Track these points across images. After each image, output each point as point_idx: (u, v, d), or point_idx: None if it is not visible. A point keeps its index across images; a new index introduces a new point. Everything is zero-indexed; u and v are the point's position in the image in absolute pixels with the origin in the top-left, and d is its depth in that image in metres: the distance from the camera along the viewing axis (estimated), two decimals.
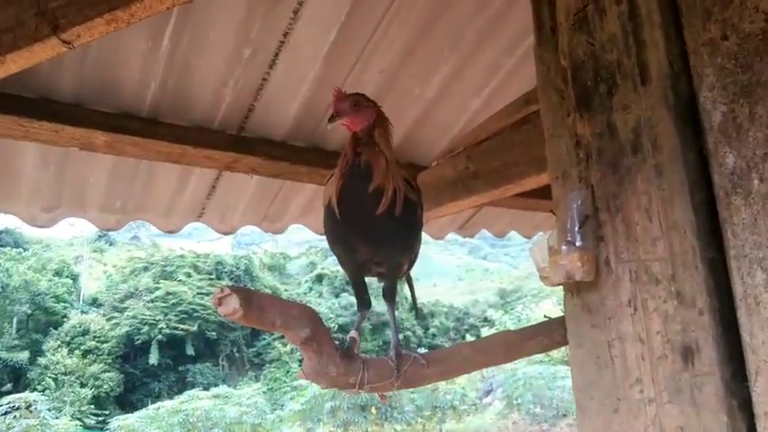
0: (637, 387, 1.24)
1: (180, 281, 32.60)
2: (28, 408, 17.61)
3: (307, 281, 38.46)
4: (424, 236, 4.00)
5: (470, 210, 3.82)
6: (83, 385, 27.25)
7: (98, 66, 2.22)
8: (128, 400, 28.05)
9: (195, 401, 18.36)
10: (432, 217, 2.86)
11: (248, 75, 2.43)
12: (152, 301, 31.20)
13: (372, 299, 1.74)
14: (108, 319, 31.03)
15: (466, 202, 2.42)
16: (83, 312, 31.88)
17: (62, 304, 31.34)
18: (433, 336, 35.59)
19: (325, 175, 1.70)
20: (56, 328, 30.08)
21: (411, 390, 17.98)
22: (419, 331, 35.47)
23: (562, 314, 1.49)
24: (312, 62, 2.45)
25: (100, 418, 24.80)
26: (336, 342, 1.37)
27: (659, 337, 1.21)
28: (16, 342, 28.53)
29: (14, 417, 17.13)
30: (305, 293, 36.08)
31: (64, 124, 2.22)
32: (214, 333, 31.52)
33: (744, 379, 1.11)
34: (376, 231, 1.53)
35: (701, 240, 1.17)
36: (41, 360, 27.95)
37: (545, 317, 1.70)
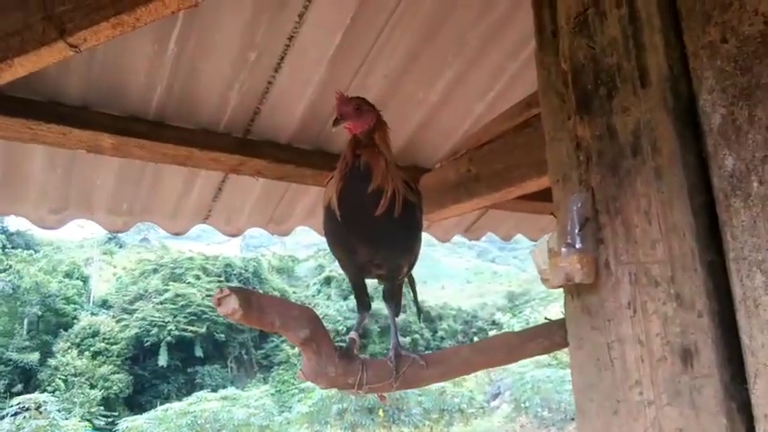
0: (636, 389, 1.24)
1: (189, 283, 32.69)
2: (38, 409, 17.72)
3: (315, 283, 38.49)
4: (432, 239, 4.03)
5: (476, 212, 3.82)
6: (92, 386, 27.37)
7: (105, 69, 2.25)
8: (137, 401, 28.14)
9: (203, 403, 18.42)
10: (434, 219, 2.87)
11: (254, 78, 2.45)
12: (161, 303, 31.31)
13: (380, 302, 1.76)
14: (117, 321, 31.16)
15: (468, 204, 2.43)
16: (93, 314, 32.04)
17: (72, 306, 31.51)
18: (441, 339, 35.50)
19: None
20: (66, 330, 30.24)
21: (419, 392, 18.01)
22: (427, 334, 35.39)
23: (563, 316, 1.49)
24: (317, 66, 2.47)
25: (109, 420, 24.88)
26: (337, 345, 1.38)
27: (659, 339, 1.21)
28: (27, 343, 28.71)
29: (24, 417, 17.25)
30: (313, 296, 36.10)
31: (71, 127, 2.25)
32: (223, 335, 31.58)
33: (743, 381, 1.11)
34: (375, 232, 1.54)
35: (700, 243, 1.16)
36: (51, 361, 28.10)
37: (545, 319, 1.70)
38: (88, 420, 22.74)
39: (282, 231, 3.48)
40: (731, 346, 1.12)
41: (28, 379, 27.35)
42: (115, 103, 2.37)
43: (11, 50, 1.55)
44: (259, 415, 18.20)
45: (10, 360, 27.38)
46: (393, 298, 1.76)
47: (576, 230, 1.33)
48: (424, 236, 3.88)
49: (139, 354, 30.30)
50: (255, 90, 2.51)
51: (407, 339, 31.19)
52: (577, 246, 1.32)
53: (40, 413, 17.60)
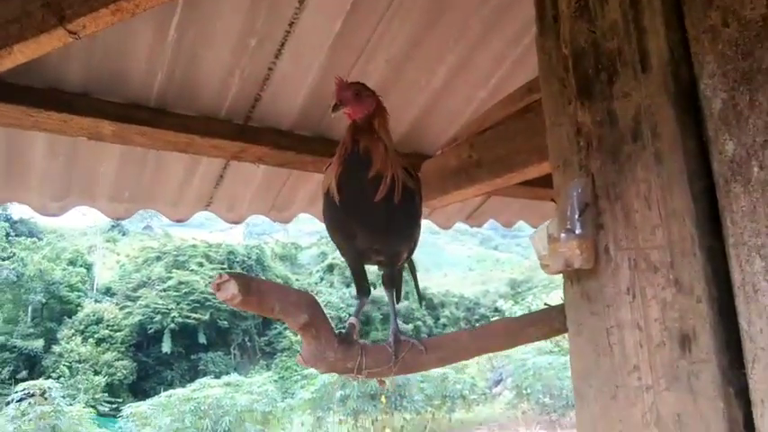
0: (635, 374, 1.24)
1: (192, 270, 32.82)
2: (42, 395, 17.83)
3: (318, 271, 38.61)
4: (435, 226, 4.03)
5: (478, 199, 3.82)
6: (96, 373, 27.59)
7: (105, 56, 2.24)
8: (140, 387, 28.35)
9: (207, 389, 18.52)
10: (436, 206, 2.87)
11: (254, 64, 2.44)
12: (164, 290, 31.45)
13: (382, 289, 1.76)
14: (121, 308, 31.35)
15: (469, 190, 2.43)
16: (96, 301, 32.23)
17: (76, 293, 31.69)
18: (444, 326, 35.64)
19: None
20: (70, 317, 30.44)
21: (421, 379, 18.09)
22: (429, 321, 35.54)
23: (562, 302, 1.50)
24: (318, 52, 2.45)
25: (113, 406, 25.08)
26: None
27: (657, 324, 1.21)
28: (31, 330, 28.90)
29: (29, 403, 17.36)
30: (316, 283, 36.23)
31: (72, 114, 2.24)
32: (226, 322, 31.75)
33: (741, 366, 1.11)
34: (375, 218, 1.54)
35: (699, 228, 1.16)
36: (56, 348, 28.31)
37: (545, 304, 1.71)
38: (92, 406, 22.90)
39: (284, 218, 3.48)
40: (729, 332, 1.13)
41: (32, 365, 27.56)
42: (116, 90, 2.36)
43: (10, 38, 1.55)
44: (262, 401, 18.30)
45: (15, 347, 27.58)
46: (393, 284, 1.77)
47: (576, 216, 1.33)
48: (427, 223, 3.89)
49: (143, 340, 30.50)
50: (256, 76, 2.50)
51: (410, 326, 31.34)
52: (577, 231, 1.32)
53: (45, 399, 17.71)
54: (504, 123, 2.24)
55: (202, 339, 30.98)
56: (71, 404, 19.94)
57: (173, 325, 30.15)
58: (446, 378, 19.04)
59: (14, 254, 29.94)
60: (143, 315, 30.40)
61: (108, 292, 34.00)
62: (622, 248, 1.29)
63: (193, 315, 30.72)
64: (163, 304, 30.66)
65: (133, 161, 2.79)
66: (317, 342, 1.29)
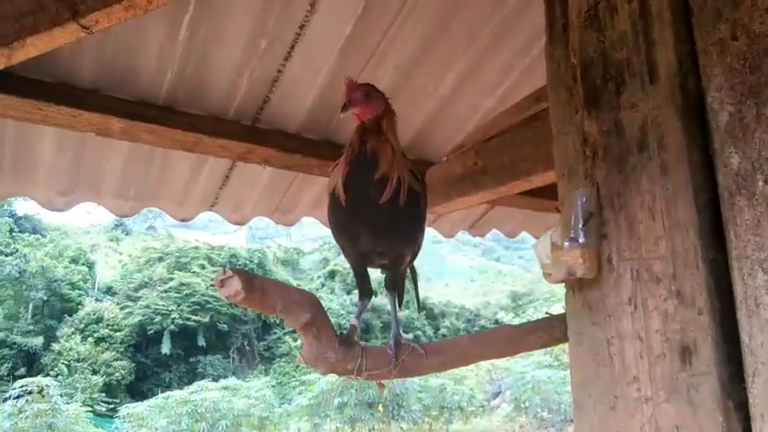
0: (634, 385, 1.24)
1: (194, 272, 32.82)
2: (40, 392, 17.80)
3: (319, 276, 38.58)
4: (438, 235, 4.03)
5: (482, 208, 3.82)
6: (95, 372, 27.56)
7: (117, 52, 2.26)
8: (138, 388, 28.30)
9: (204, 392, 18.47)
10: (440, 212, 2.87)
11: (264, 66, 2.45)
12: (165, 291, 31.45)
13: (383, 297, 1.76)
14: (121, 308, 31.34)
15: (474, 198, 2.43)
16: (97, 300, 32.23)
17: (77, 291, 31.71)
18: (444, 336, 35.50)
19: None
20: (70, 315, 30.44)
21: (419, 388, 18.03)
22: (429, 331, 35.46)
23: (564, 311, 1.49)
24: (328, 55, 2.47)
25: (110, 406, 25.03)
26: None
27: (658, 335, 1.21)
28: (31, 327, 28.91)
29: (27, 401, 17.33)
30: (317, 289, 36.16)
31: (81, 109, 2.26)
32: (225, 325, 31.71)
33: (741, 380, 1.11)
34: (379, 220, 1.54)
35: (702, 240, 1.16)
36: (55, 346, 28.30)
37: (546, 313, 1.70)
38: (89, 406, 22.82)
39: (288, 221, 3.49)
40: (730, 345, 1.13)
41: (31, 363, 27.56)
42: (126, 86, 2.38)
43: (24, 30, 1.56)
44: (259, 406, 18.25)
45: (14, 343, 27.59)
46: (395, 287, 1.77)
47: (580, 225, 1.33)
48: (430, 232, 3.89)
49: (142, 341, 30.47)
50: (265, 78, 2.51)
51: (410, 335, 31.23)
52: (580, 240, 1.32)
53: (43, 397, 17.68)
54: (511, 131, 2.24)
55: (202, 342, 30.93)
56: (68, 403, 19.91)
57: (172, 326, 30.12)
58: (444, 389, 18.97)
59: (17, 250, 30.00)
60: (143, 315, 30.39)
61: (109, 291, 34.02)
62: (625, 259, 1.29)
63: (193, 317, 30.69)
64: (163, 305, 30.65)
65: (140, 159, 2.80)
66: (318, 342, 1.29)
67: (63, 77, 2.26)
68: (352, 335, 1.43)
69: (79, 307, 31.04)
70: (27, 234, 33.63)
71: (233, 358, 32.36)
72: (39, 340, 28.14)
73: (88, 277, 33.67)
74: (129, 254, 38.76)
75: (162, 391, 22.20)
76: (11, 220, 33.50)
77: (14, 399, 17.63)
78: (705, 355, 1.13)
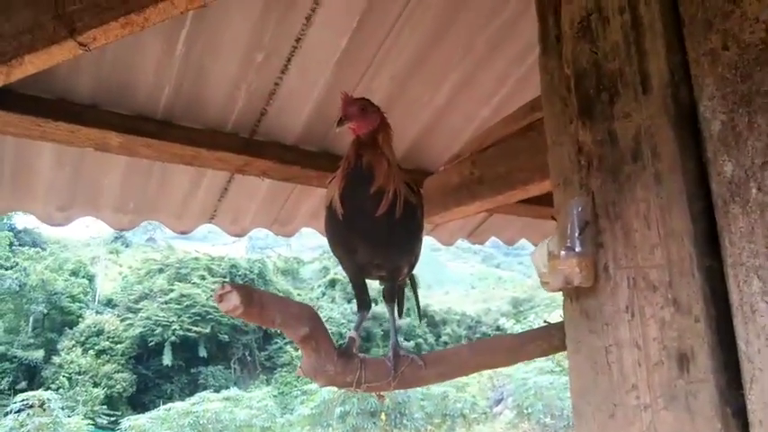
0: (633, 393, 1.24)
1: (194, 283, 32.78)
2: (41, 406, 17.78)
3: (320, 285, 38.53)
4: (437, 243, 4.04)
5: (480, 216, 3.83)
6: (96, 385, 27.47)
7: (114, 68, 2.27)
8: (140, 400, 28.21)
9: (206, 403, 18.43)
10: (437, 222, 2.88)
11: (261, 79, 2.47)
12: (166, 302, 31.40)
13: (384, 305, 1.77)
14: (122, 320, 31.27)
15: (471, 207, 2.44)
16: (98, 313, 32.17)
17: (77, 304, 31.65)
18: (445, 343, 35.42)
19: None
20: (71, 328, 30.37)
21: (421, 396, 17.97)
22: (431, 338, 35.39)
23: (562, 319, 1.50)
24: (324, 68, 2.48)
25: (112, 419, 24.95)
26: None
27: (656, 343, 1.21)
28: (32, 341, 28.83)
29: (28, 414, 17.30)
30: (318, 298, 36.13)
31: (80, 125, 2.27)
32: (226, 336, 31.64)
33: (739, 387, 1.11)
34: (376, 233, 1.55)
35: (698, 248, 1.17)
36: (56, 359, 28.22)
37: (545, 322, 1.71)
38: (91, 419, 22.80)
39: (287, 232, 3.50)
40: (727, 352, 1.13)
41: (32, 376, 27.47)
42: (124, 102, 2.39)
43: (22, 48, 1.58)
44: (261, 416, 18.21)
45: (15, 357, 27.51)
46: (393, 299, 1.78)
47: (576, 234, 1.34)
48: (429, 240, 3.90)
49: (143, 353, 30.39)
50: (262, 91, 2.52)
51: (411, 343, 31.20)
52: (577, 249, 1.32)
53: (44, 410, 17.65)
54: (507, 141, 2.25)
55: (203, 353, 30.86)
56: (70, 416, 19.87)
57: (173, 338, 30.06)
58: (446, 396, 18.92)
59: (17, 263, 29.96)
60: (144, 327, 30.32)
61: (109, 303, 33.96)
62: (622, 267, 1.30)
63: (194, 328, 30.63)
64: (164, 317, 30.60)
65: (138, 172, 2.81)
66: (317, 355, 1.29)
67: (61, 93, 2.27)
68: (350, 347, 1.44)
69: (80, 320, 30.98)
70: (27, 247, 33.59)
71: (234, 369, 32.28)
72: (39, 353, 28.06)
73: (88, 290, 33.62)
74: (130, 266, 38.71)
75: (164, 403, 22.15)
76: (11, 233, 33.47)
77: (15, 413, 17.60)
78: (702, 362, 1.14)
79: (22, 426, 16.76)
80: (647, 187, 1.26)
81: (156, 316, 30.63)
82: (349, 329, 1.64)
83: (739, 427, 1.10)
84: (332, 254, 1.76)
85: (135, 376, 29.32)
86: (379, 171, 1.51)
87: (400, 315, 1.97)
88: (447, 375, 1.64)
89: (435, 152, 3.09)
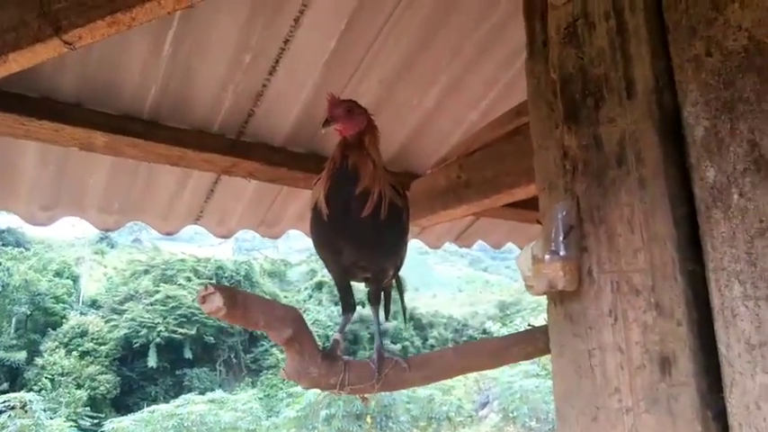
0: (615, 396, 1.25)
1: (180, 285, 32.52)
2: (23, 407, 17.57)
3: (306, 288, 38.38)
4: (424, 246, 4.04)
5: (468, 220, 3.84)
6: (79, 387, 27.18)
7: (100, 67, 2.25)
8: (123, 402, 27.93)
9: (191, 406, 18.31)
10: (424, 225, 2.88)
11: (248, 80, 2.46)
12: (151, 304, 31.13)
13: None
14: (107, 322, 30.96)
15: (458, 210, 2.45)
16: (82, 314, 31.82)
17: (61, 305, 31.30)
18: (432, 346, 35.38)
19: None
20: (54, 329, 30.03)
21: (407, 399, 17.96)
22: (417, 342, 35.35)
23: (546, 323, 1.51)
24: (312, 69, 2.48)
25: (95, 421, 24.67)
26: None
27: (638, 347, 1.22)
28: (14, 342, 28.48)
29: (9, 416, 17.10)
30: (305, 300, 35.98)
31: (64, 124, 2.25)
32: (212, 338, 31.42)
33: (719, 390, 1.13)
34: (361, 234, 1.55)
35: (680, 252, 1.18)
36: (39, 360, 27.89)
37: (529, 325, 1.72)
38: (74, 421, 22.57)
39: (274, 234, 3.49)
40: (709, 356, 1.14)
41: (14, 378, 27.13)
42: (109, 101, 2.37)
43: (6, 46, 1.56)
44: (246, 419, 18.10)
45: None
46: (378, 301, 1.78)
47: (561, 238, 1.35)
48: (417, 243, 3.90)
49: (128, 355, 30.11)
50: (250, 92, 2.52)
51: (398, 346, 31.14)
52: (561, 253, 1.33)
53: (26, 412, 17.45)
54: (493, 145, 2.27)
55: (188, 355, 30.62)
56: (52, 418, 19.66)
57: (158, 339, 29.80)
58: (432, 399, 18.92)
59: (0, 263, 29.62)
60: (129, 329, 30.04)
61: (94, 304, 33.60)
62: (605, 271, 1.31)
63: (180, 330, 30.39)
64: (149, 318, 30.33)
65: (124, 173, 2.79)
66: (301, 357, 1.29)
67: (46, 92, 2.25)
68: (334, 349, 1.44)
69: (63, 321, 30.64)
70: (10, 247, 33.19)
71: (220, 371, 32.06)
72: (22, 355, 27.72)
73: (72, 291, 33.25)
74: (115, 267, 38.35)
75: (148, 405, 21.97)
76: None
77: None
78: (684, 365, 1.15)
79: (3, 428, 16.56)
80: (631, 192, 1.27)
81: (142, 317, 30.36)
82: (335, 332, 1.64)
83: (719, 429, 1.12)
84: (318, 256, 1.76)
85: (119, 378, 29.03)
86: (364, 172, 1.51)
87: (387, 318, 1.96)
88: (431, 378, 1.64)
89: (424, 155, 3.09)
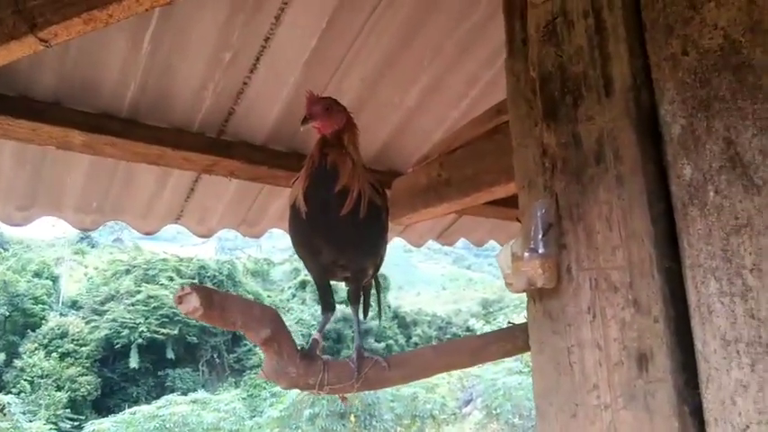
0: (594, 393, 1.26)
1: (162, 284, 32.23)
2: (2, 410, 17.34)
3: (290, 287, 38.23)
4: (407, 244, 4.04)
5: (450, 218, 3.85)
6: (59, 389, 26.84)
7: (78, 65, 2.23)
8: (105, 404, 27.64)
9: (173, 407, 18.15)
10: (405, 223, 2.88)
11: (229, 78, 2.44)
12: (133, 304, 30.82)
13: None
14: (87, 322, 30.61)
15: (438, 209, 2.45)
16: (62, 315, 31.42)
17: (41, 306, 30.88)
18: (416, 344, 35.40)
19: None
20: (33, 330, 29.62)
21: (391, 398, 17.97)
22: (401, 340, 35.39)
23: (526, 320, 1.51)
24: (293, 68, 2.47)
25: (75, 423, 24.41)
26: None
27: (616, 344, 1.23)
28: None
29: None
30: (288, 300, 35.86)
31: (42, 123, 2.22)
32: (195, 338, 31.20)
33: (696, 386, 1.14)
34: (340, 233, 1.55)
35: (658, 249, 1.19)
36: (17, 362, 27.50)
37: (509, 323, 1.72)
38: (53, 423, 22.29)
39: (255, 233, 3.47)
40: (685, 352, 1.15)
41: None
42: (87, 99, 2.34)
43: None
44: (229, 419, 17.99)
45: None
46: (358, 300, 1.77)
47: (540, 236, 1.35)
48: (400, 241, 3.90)
49: (109, 355, 29.80)
50: (230, 90, 2.50)
51: (382, 345, 31.15)
52: (540, 251, 1.34)
53: (4, 415, 17.22)
54: (474, 143, 2.27)
55: (170, 355, 30.37)
56: (31, 421, 19.41)
57: (140, 340, 29.53)
58: (416, 397, 18.94)
59: None
60: (110, 329, 29.73)
61: (74, 305, 33.19)
62: (584, 268, 1.31)
63: (162, 330, 30.14)
64: (131, 318, 30.04)
65: (102, 172, 2.76)
66: (279, 357, 1.28)
67: (22, 90, 2.22)
68: (313, 349, 1.43)
69: (43, 322, 30.24)
70: None
71: (202, 371, 31.85)
72: (0, 357, 27.34)
73: (52, 291, 32.81)
74: (95, 267, 37.91)
75: (129, 407, 21.76)
76: None
77: None
78: (661, 362, 1.16)
79: None
80: (610, 189, 1.28)
81: (123, 318, 30.05)
82: (315, 332, 1.64)
83: (696, 425, 1.12)
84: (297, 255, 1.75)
85: (100, 379, 28.72)
86: (343, 170, 1.51)
87: (365, 316, 1.96)
88: (411, 377, 1.65)
89: (406, 153, 3.10)
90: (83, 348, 29.15)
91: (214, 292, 1.12)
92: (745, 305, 1.06)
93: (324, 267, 1.66)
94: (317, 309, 32.94)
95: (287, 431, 17.70)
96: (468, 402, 21.99)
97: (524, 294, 1.48)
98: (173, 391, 25.34)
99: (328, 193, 1.50)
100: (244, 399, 24.34)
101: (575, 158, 1.36)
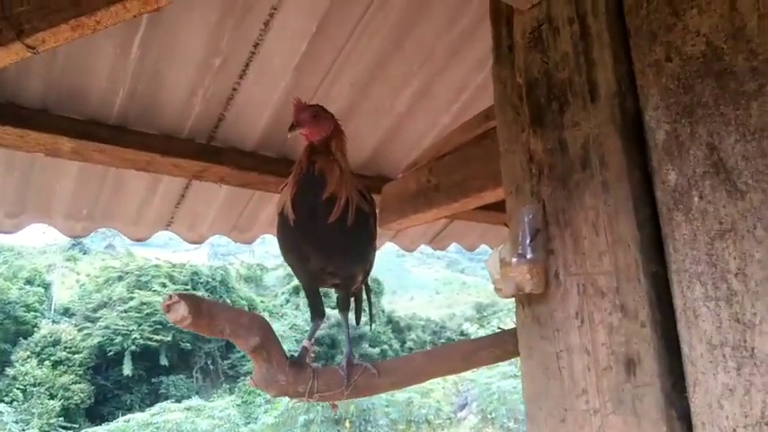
0: (583, 398, 1.26)
1: (155, 291, 32.04)
2: None
3: (283, 293, 38.09)
4: (400, 249, 4.04)
5: (442, 222, 3.86)
6: (52, 397, 26.63)
7: (66, 72, 2.22)
8: (98, 412, 27.42)
9: (167, 414, 18.08)
10: (395, 228, 2.89)
11: (218, 84, 2.44)
12: (125, 311, 30.62)
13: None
14: (80, 330, 30.39)
15: (428, 214, 2.46)
16: (54, 322, 31.19)
17: (33, 314, 30.64)
18: (410, 349, 35.37)
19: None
20: (25, 338, 29.38)
21: (386, 403, 17.96)
22: (396, 344, 35.32)
23: (515, 326, 1.52)
24: (283, 73, 2.47)
25: (69, 431, 24.26)
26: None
27: (604, 348, 1.24)
28: None
29: None
30: (281, 305, 35.73)
31: (30, 129, 2.21)
32: (189, 344, 31.01)
33: (683, 390, 1.14)
34: (328, 240, 1.55)
35: (644, 254, 1.20)
36: (9, 371, 27.27)
37: (498, 328, 1.73)
38: None
39: (246, 239, 3.46)
40: (672, 356, 1.16)
41: None
42: (76, 106, 2.34)
43: None
44: (224, 426, 17.93)
45: None
46: (347, 307, 1.77)
47: (528, 241, 1.36)
48: (393, 246, 3.90)
49: (102, 363, 29.59)
50: (220, 96, 2.50)
51: (376, 350, 31.10)
52: (528, 256, 1.34)
53: None
54: (462, 149, 2.28)
55: (164, 362, 30.18)
56: (24, 429, 19.28)
57: (133, 347, 29.33)
58: (411, 402, 18.94)
59: None
60: (103, 336, 29.52)
61: (66, 312, 32.95)
62: (571, 274, 1.32)
63: (155, 337, 29.95)
64: (124, 325, 29.84)
65: (92, 179, 2.75)
66: (269, 365, 1.28)
67: (10, 97, 2.21)
68: (303, 357, 1.43)
69: (35, 329, 30.00)
70: None
71: (196, 378, 31.67)
72: None
73: (44, 298, 32.57)
74: (88, 273, 37.67)
75: (123, 414, 21.64)
76: None
77: None
78: (648, 366, 1.16)
79: None
80: (596, 195, 1.29)
81: (116, 325, 29.86)
82: (313, 337, 1.63)
83: (684, 429, 1.13)
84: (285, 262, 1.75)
85: (93, 387, 28.49)
86: (331, 177, 1.51)
87: (358, 323, 1.96)
88: (402, 383, 1.64)
89: (396, 159, 3.10)
90: (75, 356, 28.94)
91: (202, 301, 1.12)
92: (730, 309, 1.06)
93: (312, 274, 1.66)
94: None
95: None
96: (463, 407, 21.98)
97: (497, 294, 1.48)
98: (167, 398, 25.20)
99: (316, 200, 1.50)
100: (238, 405, 24.23)
101: (561, 164, 1.37)
